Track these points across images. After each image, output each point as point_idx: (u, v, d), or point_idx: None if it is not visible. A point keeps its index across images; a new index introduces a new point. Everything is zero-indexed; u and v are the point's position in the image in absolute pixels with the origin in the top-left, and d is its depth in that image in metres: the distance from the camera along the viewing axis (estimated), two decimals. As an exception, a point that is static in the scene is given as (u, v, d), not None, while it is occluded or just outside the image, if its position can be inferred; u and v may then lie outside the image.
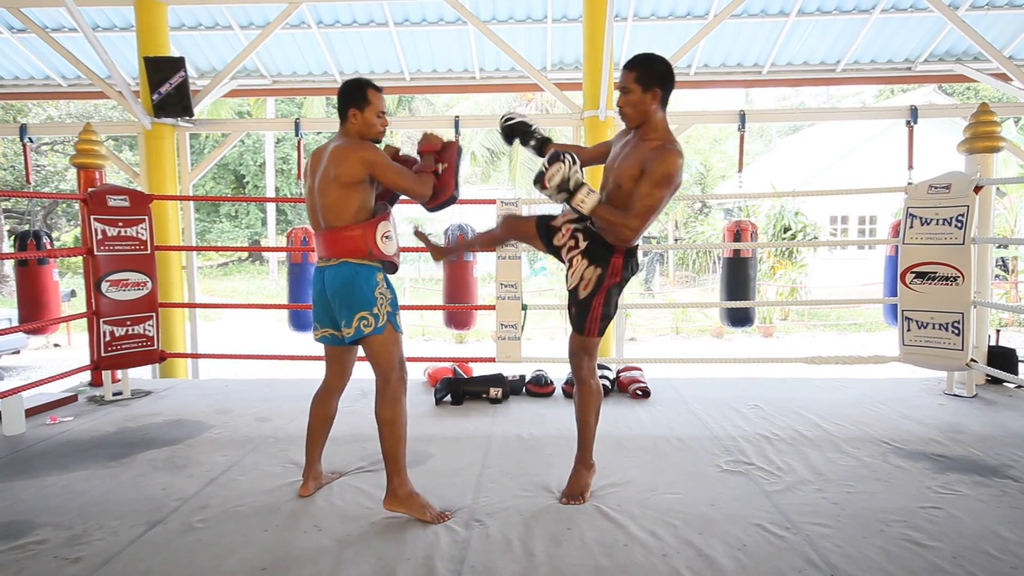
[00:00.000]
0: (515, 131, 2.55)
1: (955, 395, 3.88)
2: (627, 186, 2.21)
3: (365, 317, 2.26)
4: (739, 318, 4.91)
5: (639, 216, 2.16)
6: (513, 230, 2.59)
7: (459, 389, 3.80)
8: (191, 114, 5.18)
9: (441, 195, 2.45)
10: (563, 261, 2.46)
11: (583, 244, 2.36)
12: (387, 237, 2.34)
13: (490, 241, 2.79)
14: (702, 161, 22.53)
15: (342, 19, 6.03)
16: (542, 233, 2.49)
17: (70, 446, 3.09)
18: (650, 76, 2.19)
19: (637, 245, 2.35)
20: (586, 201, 2.18)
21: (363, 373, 4.99)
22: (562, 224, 2.44)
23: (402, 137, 27.21)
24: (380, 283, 2.31)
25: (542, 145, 2.52)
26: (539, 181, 2.21)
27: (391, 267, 2.41)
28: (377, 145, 2.36)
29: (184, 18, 5.99)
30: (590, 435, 2.48)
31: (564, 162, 2.16)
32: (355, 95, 2.32)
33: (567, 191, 2.18)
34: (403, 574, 1.92)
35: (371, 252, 2.29)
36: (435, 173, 2.43)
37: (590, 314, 2.36)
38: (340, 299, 2.28)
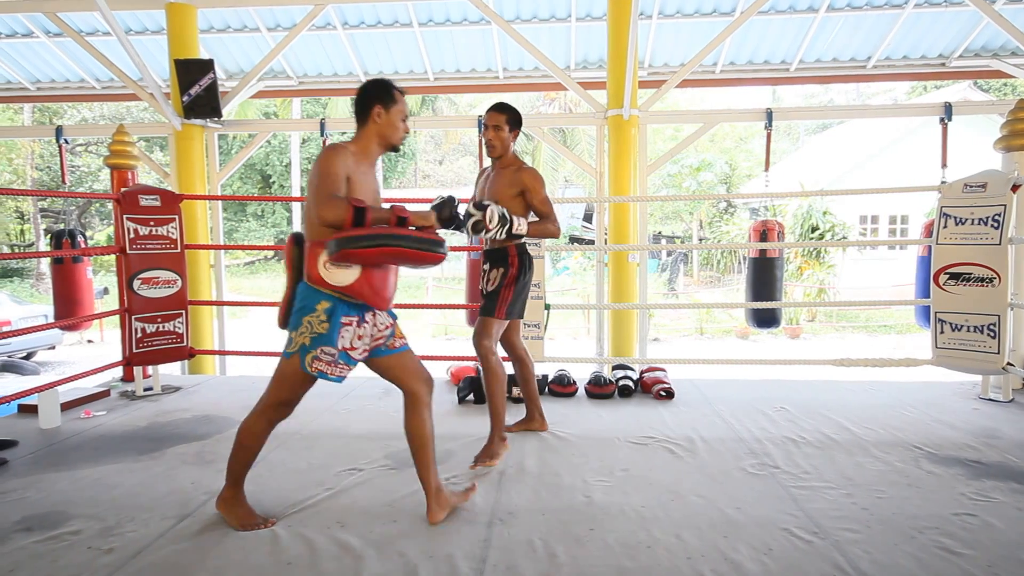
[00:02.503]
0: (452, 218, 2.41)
1: (990, 399, 3.78)
2: (510, 204, 2.79)
3: (289, 337, 2.12)
4: (765, 319, 4.84)
5: (554, 216, 2.87)
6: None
7: (482, 388, 3.80)
8: (220, 115, 5.27)
9: (339, 235, 1.96)
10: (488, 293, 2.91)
11: (488, 263, 2.93)
12: (334, 265, 2.01)
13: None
14: (728, 160, 22.26)
15: (367, 20, 6.08)
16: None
17: (103, 440, 3.17)
18: (516, 120, 2.88)
19: (526, 244, 2.92)
20: (521, 225, 2.74)
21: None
22: (487, 279, 2.93)
23: (425, 137, 27.35)
24: (316, 312, 2.04)
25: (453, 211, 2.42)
26: (479, 226, 2.60)
27: (352, 302, 2.06)
28: (388, 150, 2.22)
29: (213, 21, 6.10)
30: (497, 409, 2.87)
31: (492, 204, 2.65)
32: (380, 92, 2.17)
33: (508, 222, 2.67)
34: (425, 572, 1.92)
35: (313, 276, 2.04)
36: (359, 209, 1.98)
37: (499, 302, 2.85)
38: (293, 316, 2.13)
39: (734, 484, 2.55)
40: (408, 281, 19.44)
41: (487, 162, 3.00)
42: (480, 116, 5.18)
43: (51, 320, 6.91)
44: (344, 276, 2.03)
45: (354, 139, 2.19)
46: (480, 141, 5.25)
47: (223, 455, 2.91)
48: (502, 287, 2.85)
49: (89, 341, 11.51)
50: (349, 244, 1.94)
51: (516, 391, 3.81)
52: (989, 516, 2.25)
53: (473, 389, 3.81)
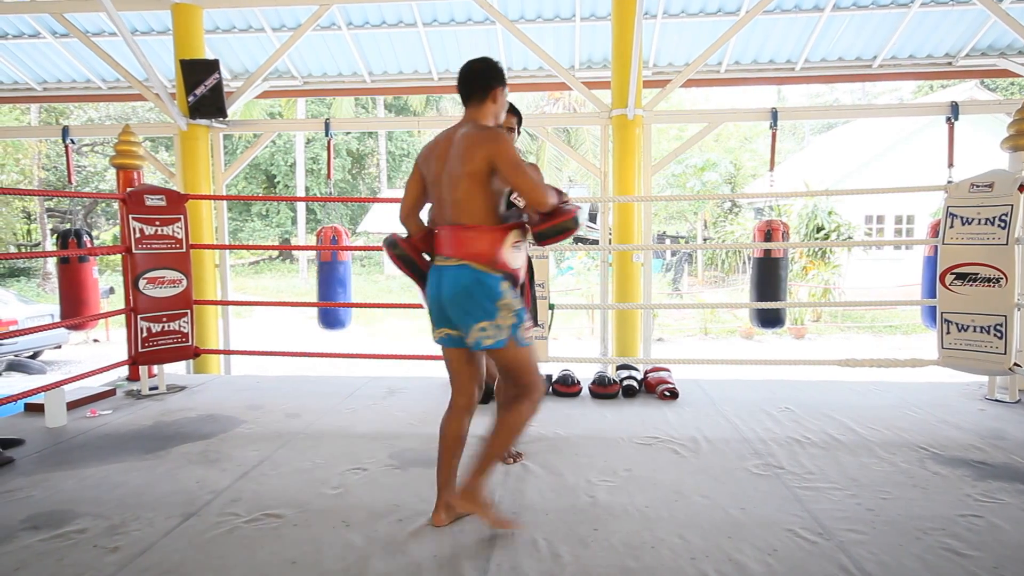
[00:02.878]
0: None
1: (997, 400, 3.76)
2: None
3: (485, 328, 2.05)
4: (770, 319, 4.83)
5: None
6: None
7: (491, 388, 3.80)
8: (225, 115, 5.29)
9: (558, 216, 2.11)
10: None
11: None
12: (516, 247, 2.13)
13: None
14: (732, 160, 22.22)
15: (371, 20, 6.09)
16: None
17: (109, 439, 3.19)
18: (520, 120, 2.82)
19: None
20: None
21: (389, 371, 5.03)
22: None
23: (429, 137, 27.37)
24: (504, 293, 2.07)
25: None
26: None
27: (513, 280, 2.16)
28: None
29: (218, 21, 6.12)
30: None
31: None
32: (500, 73, 2.13)
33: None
34: (429, 571, 1.93)
35: (496, 260, 2.07)
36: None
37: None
38: (458, 305, 2.08)
39: (738, 485, 2.54)
40: (412, 282, 19.41)
41: None
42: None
43: (57, 319, 6.95)
44: (519, 258, 2.15)
45: (480, 119, 2.15)
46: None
47: (227, 454, 2.93)
48: (522, 299, 2.89)
49: (95, 340, 11.57)
50: (575, 224, 2.10)
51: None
52: (995, 517, 2.24)
53: (477, 389, 3.81)
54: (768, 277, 4.80)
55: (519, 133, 2.93)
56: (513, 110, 2.88)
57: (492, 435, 2.13)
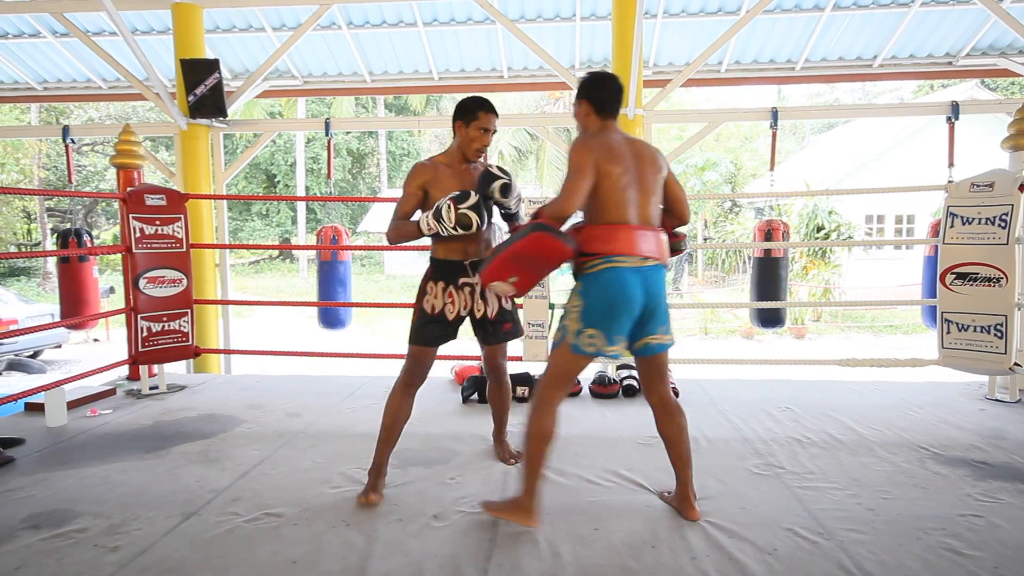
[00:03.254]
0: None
1: (997, 400, 3.76)
2: None
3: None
4: (770, 319, 4.82)
5: None
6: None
7: (486, 387, 3.80)
8: (225, 115, 5.28)
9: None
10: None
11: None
12: None
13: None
14: (733, 159, 22.21)
15: (372, 20, 6.09)
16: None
17: (109, 438, 3.19)
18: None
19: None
20: (521, 205, 2.74)
21: (389, 371, 5.03)
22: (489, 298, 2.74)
23: (429, 137, 27.38)
24: None
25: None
26: (507, 190, 2.45)
27: None
28: None
29: (219, 20, 6.11)
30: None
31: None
32: None
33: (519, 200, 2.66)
34: (430, 570, 1.93)
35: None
36: None
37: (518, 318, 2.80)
38: (664, 304, 2.17)
39: (739, 484, 2.54)
40: (413, 281, 19.46)
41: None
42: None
43: (57, 319, 6.94)
44: None
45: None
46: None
47: (228, 454, 2.94)
48: (515, 304, 2.78)
49: (95, 340, 11.57)
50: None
51: (520, 391, 3.81)
52: (995, 517, 2.24)
53: (477, 389, 3.81)
54: (768, 277, 4.80)
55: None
56: (491, 108, 2.55)
57: (686, 447, 2.29)
